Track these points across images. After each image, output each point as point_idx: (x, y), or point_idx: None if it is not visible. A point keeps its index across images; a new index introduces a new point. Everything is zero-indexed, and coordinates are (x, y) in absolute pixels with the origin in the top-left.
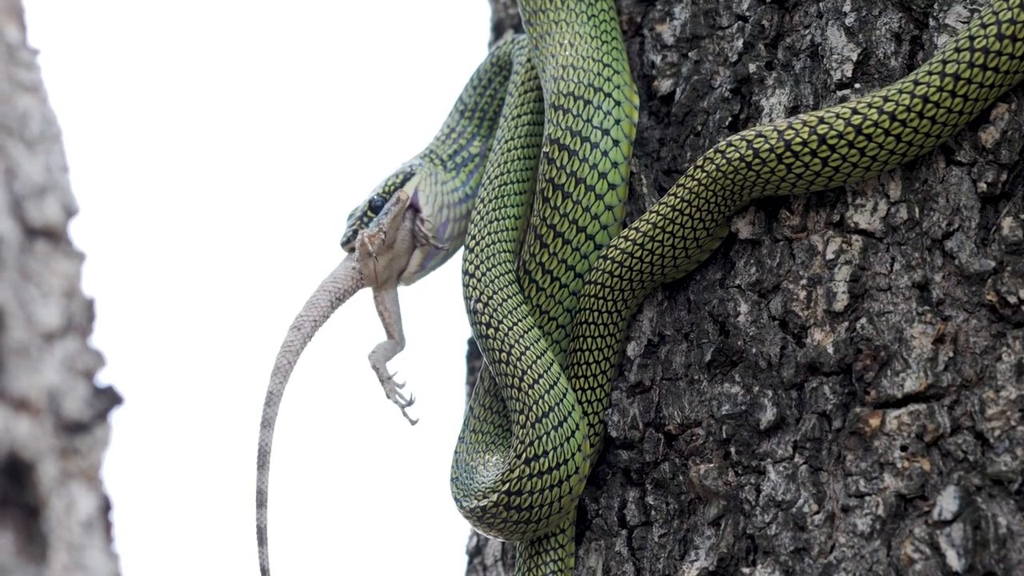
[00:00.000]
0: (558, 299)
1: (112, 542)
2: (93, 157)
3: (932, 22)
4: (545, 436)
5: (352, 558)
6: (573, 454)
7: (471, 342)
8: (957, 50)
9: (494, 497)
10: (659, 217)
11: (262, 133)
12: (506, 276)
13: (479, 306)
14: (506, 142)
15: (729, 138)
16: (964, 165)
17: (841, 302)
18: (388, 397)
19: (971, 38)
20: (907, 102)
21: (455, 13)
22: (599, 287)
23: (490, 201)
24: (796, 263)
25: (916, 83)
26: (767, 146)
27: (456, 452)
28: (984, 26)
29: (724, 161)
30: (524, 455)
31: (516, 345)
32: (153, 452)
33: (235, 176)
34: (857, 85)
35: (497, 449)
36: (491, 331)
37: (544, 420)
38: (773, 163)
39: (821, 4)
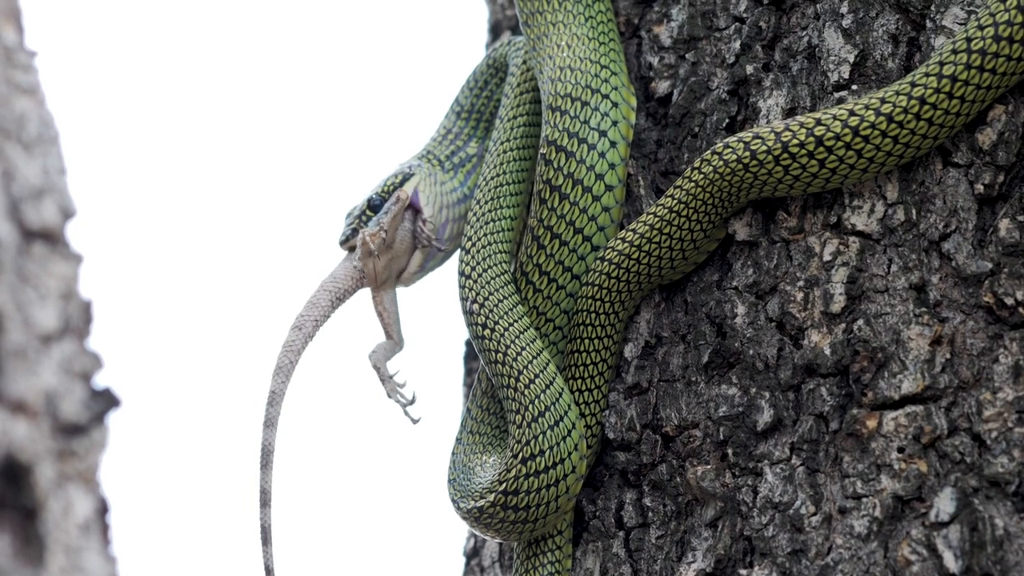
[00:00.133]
0: (555, 300)
1: (109, 544)
2: (90, 159)
3: (929, 24)
4: (541, 435)
5: (351, 559)
6: (569, 453)
7: (468, 343)
8: (954, 52)
9: (491, 497)
10: (656, 219)
11: (261, 134)
12: (502, 277)
13: (475, 307)
14: (502, 143)
15: (726, 140)
16: (961, 167)
17: (838, 304)
18: (389, 396)
19: (968, 40)
20: (904, 104)
21: (452, 14)
22: (596, 288)
23: (486, 202)
24: (793, 265)
25: (913, 85)
26: (764, 148)
27: (453, 453)
28: (981, 28)
29: (721, 163)
30: (520, 455)
31: (512, 346)
32: (151, 454)
33: (234, 177)
34: (854, 87)
35: (494, 450)
36: (487, 332)
37: (540, 420)
38: (770, 165)
39: (818, 6)
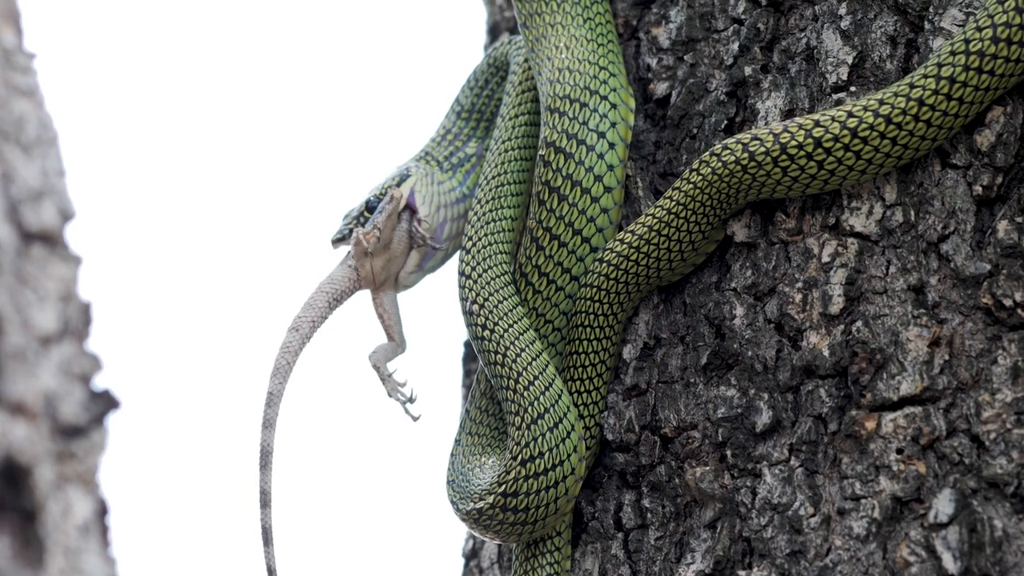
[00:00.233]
0: (554, 302)
1: (108, 546)
2: (89, 161)
3: (927, 25)
4: (541, 437)
5: (349, 561)
6: (569, 455)
7: (467, 345)
8: (952, 53)
9: (491, 499)
10: (655, 220)
11: (260, 136)
12: (502, 278)
13: (475, 307)
14: (503, 143)
15: (725, 141)
16: (960, 168)
17: (837, 305)
18: (390, 395)
19: (966, 41)
20: (902, 105)
21: (451, 16)
22: (595, 290)
23: (487, 202)
24: (792, 266)
25: (911, 86)
26: (763, 149)
27: (452, 455)
28: (979, 29)
29: (720, 164)
30: (520, 456)
31: (512, 347)
32: (150, 456)
33: (233, 179)
34: (852, 88)
35: (493, 452)
36: (487, 332)
37: (540, 422)
38: (769, 166)
39: (816, 7)
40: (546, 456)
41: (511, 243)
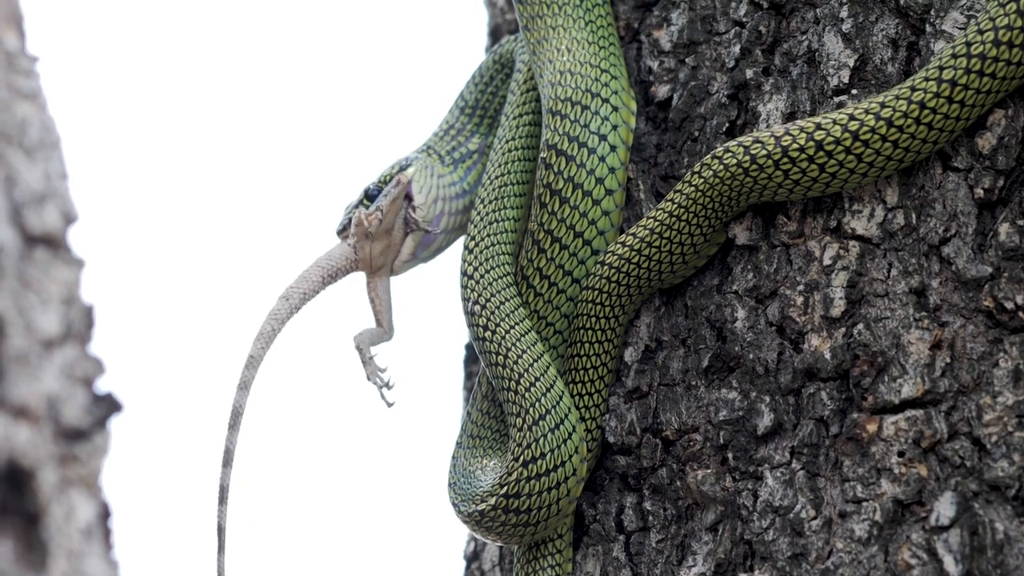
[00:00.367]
0: (555, 304)
1: (111, 549)
2: (92, 164)
3: (929, 28)
4: (542, 439)
5: (350, 563)
6: (570, 456)
7: (469, 347)
8: (954, 56)
9: (492, 501)
10: (656, 223)
11: (262, 140)
12: (505, 279)
13: (477, 308)
14: (507, 142)
15: (726, 144)
16: (961, 171)
17: (838, 308)
18: (369, 379)
19: (968, 44)
20: (904, 108)
21: (452, 19)
22: (596, 292)
23: (490, 202)
24: (793, 269)
25: (913, 89)
26: (764, 152)
27: (454, 457)
28: (981, 32)
29: (721, 167)
30: (521, 458)
31: (513, 348)
32: (153, 459)
33: (235, 182)
34: (854, 91)
35: (495, 454)
36: (488, 333)
37: (541, 423)
38: (770, 169)
39: (818, 10)
40: (548, 458)
41: (514, 244)
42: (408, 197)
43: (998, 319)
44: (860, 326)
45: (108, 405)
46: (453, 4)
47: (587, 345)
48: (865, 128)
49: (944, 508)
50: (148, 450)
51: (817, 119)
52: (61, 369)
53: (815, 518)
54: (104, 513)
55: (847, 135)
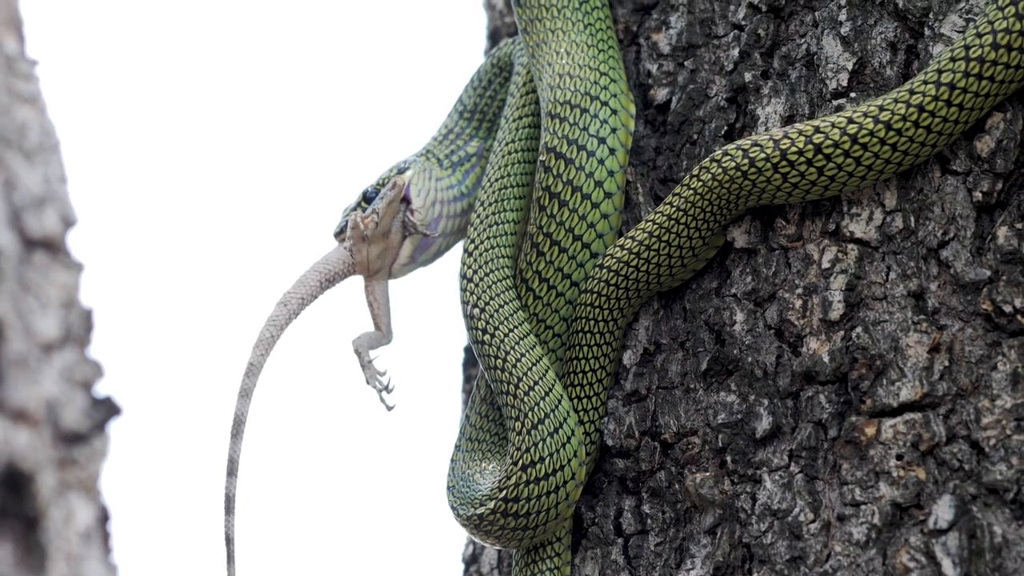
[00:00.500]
0: (554, 307)
1: (110, 552)
2: (92, 168)
3: (927, 31)
4: (541, 442)
5: (350, 566)
6: (569, 460)
7: (467, 350)
8: (952, 59)
9: (491, 504)
10: (655, 226)
11: (261, 144)
12: (504, 282)
13: (476, 311)
14: (506, 144)
15: (725, 147)
16: (959, 174)
17: (837, 311)
18: (368, 383)
19: (966, 47)
20: (902, 111)
21: (451, 22)
22: (595, 295)
23: (490, 205)
24: (792, 272)
25: (911, 92)
26: (763, 155)
27: (452, 460)
28: (979, 35)
29: (720, 170)
30: (520, 461)
31: (512, 351)
32: (152, 463)
33: (235, 186)
34: (853, 94)
35: (494, 457)
36: (487, 336)
37: (539, 426)
38: (769, 172)
39: (817, 13)
40: (546, 461)
41: (513, 246)
42: (406, 200)
43: (996, 322)
44: (859, 329)
45: (107, 409)
46: (452, 7)
47: (586, 348)
48: (863, 131)
49: (942, 511)
50: (147, 453)
51: (816, 122)
52: (60, 373)
53: (813, 521)
54: (103, 517)
55: (845, 138)
